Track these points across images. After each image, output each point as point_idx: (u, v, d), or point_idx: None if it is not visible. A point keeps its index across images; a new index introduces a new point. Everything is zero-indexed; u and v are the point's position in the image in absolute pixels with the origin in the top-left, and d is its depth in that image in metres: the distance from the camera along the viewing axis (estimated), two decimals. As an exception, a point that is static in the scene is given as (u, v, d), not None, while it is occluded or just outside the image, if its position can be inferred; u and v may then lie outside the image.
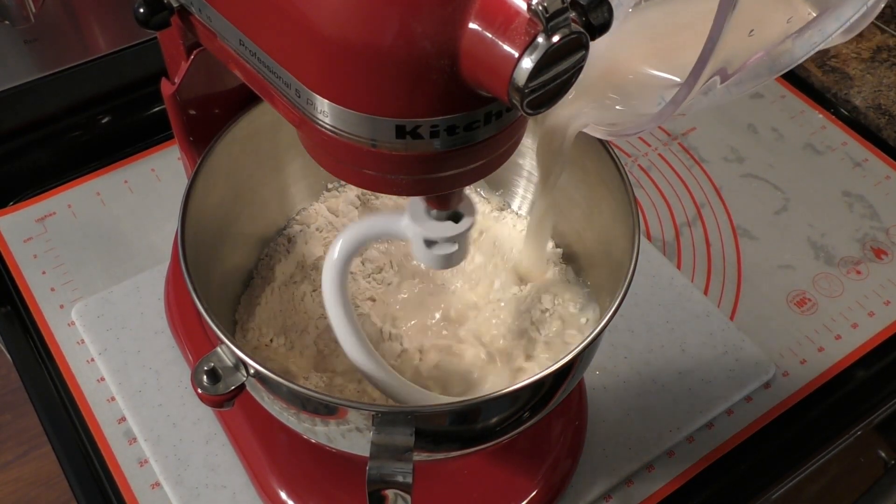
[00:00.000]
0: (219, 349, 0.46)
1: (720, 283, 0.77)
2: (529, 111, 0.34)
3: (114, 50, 0.80)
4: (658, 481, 0.65)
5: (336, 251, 0.49)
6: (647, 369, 0.70)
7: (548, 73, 0.33)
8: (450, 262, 0.48)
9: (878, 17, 0.94)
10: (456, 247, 0.47)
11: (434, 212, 0.46)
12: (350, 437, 0.47)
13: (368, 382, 0.52)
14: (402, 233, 0.47)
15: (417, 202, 0.46)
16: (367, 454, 0.44)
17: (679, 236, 0.80)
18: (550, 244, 0.63)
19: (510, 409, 0.48)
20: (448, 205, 0.45)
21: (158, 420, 0.66)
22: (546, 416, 0.51)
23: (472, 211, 0.46)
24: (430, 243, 0.47)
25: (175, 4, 0.46)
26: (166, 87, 0.53)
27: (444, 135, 0.37)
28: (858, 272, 0.79)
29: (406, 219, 0.46)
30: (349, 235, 0.49)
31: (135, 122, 0.85)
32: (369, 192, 0.65)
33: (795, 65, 0.42)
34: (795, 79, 0.94)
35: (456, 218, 0.46)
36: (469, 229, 0.46)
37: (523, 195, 0.65)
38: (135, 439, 0.65)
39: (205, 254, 0.53)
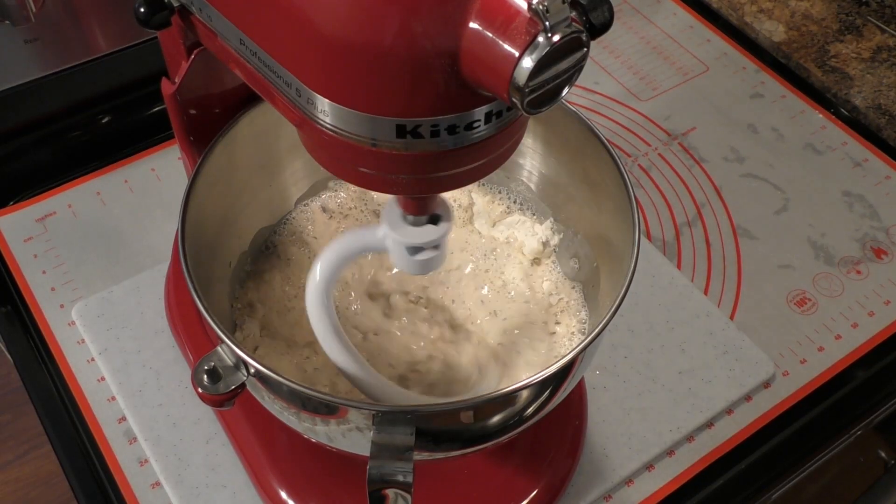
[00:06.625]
0: (219, 349, 0.46)
1: (720, 283, 0.77)
2: (530, 110, 0.34)
3: (114, 50, 0.80)
4: (658, 481, 0.65)
5: (318, 274, 0.49)
6: (647, 369, 0.70)
7: (548, 73, 0.33)
8: (430, 266, 0.48)
9: (879, 18, 0.94)
10: (437, 251, 0.47)
11: (411, 217, 0.46)
12: (350, 436, 0.47)
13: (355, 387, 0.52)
14: (380, 244, 0.47)
15: (393, 209, 0.46)
16: (367, 454, 0.44)
17: (679, 236, 0.80)
18: (552, 242, 0.63)
19: (510, 409, 0.48)
20: (426, 209, 0.45)
21: (158, 420, 0.66)
22: (546, 416, 0.51)
23: (449, 215, 0.46)
24: (412, 250, 0.47)
25: (175, 4, 0.46)
26: (166, 87, 0.53)
27: (444, 134, 0.37)
28: (858, 272, 0.79)
29: (383, 229, 0.46)
30: (328, 257, 0.48)
31: (135, 122, 0.85)
32: (369, 191, 0.65)
33: None
34: (796, 79, 0.94)
35: (434, 221, 0.46)
36: (448, 232, 0.46)
37: (524, 194, 0.65)
38: (135, 439, 0.65)
39: (205, 254, 0.53)
